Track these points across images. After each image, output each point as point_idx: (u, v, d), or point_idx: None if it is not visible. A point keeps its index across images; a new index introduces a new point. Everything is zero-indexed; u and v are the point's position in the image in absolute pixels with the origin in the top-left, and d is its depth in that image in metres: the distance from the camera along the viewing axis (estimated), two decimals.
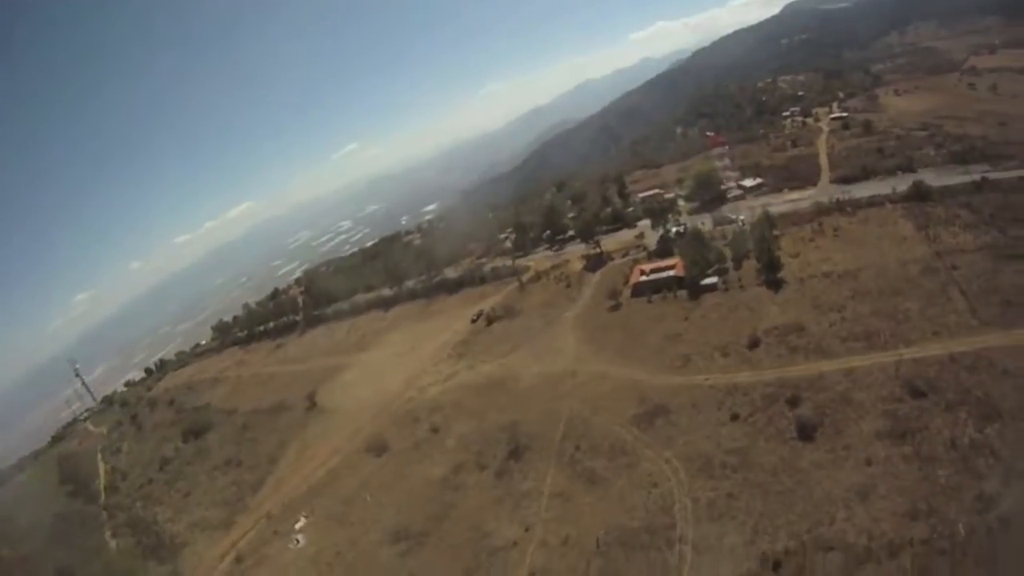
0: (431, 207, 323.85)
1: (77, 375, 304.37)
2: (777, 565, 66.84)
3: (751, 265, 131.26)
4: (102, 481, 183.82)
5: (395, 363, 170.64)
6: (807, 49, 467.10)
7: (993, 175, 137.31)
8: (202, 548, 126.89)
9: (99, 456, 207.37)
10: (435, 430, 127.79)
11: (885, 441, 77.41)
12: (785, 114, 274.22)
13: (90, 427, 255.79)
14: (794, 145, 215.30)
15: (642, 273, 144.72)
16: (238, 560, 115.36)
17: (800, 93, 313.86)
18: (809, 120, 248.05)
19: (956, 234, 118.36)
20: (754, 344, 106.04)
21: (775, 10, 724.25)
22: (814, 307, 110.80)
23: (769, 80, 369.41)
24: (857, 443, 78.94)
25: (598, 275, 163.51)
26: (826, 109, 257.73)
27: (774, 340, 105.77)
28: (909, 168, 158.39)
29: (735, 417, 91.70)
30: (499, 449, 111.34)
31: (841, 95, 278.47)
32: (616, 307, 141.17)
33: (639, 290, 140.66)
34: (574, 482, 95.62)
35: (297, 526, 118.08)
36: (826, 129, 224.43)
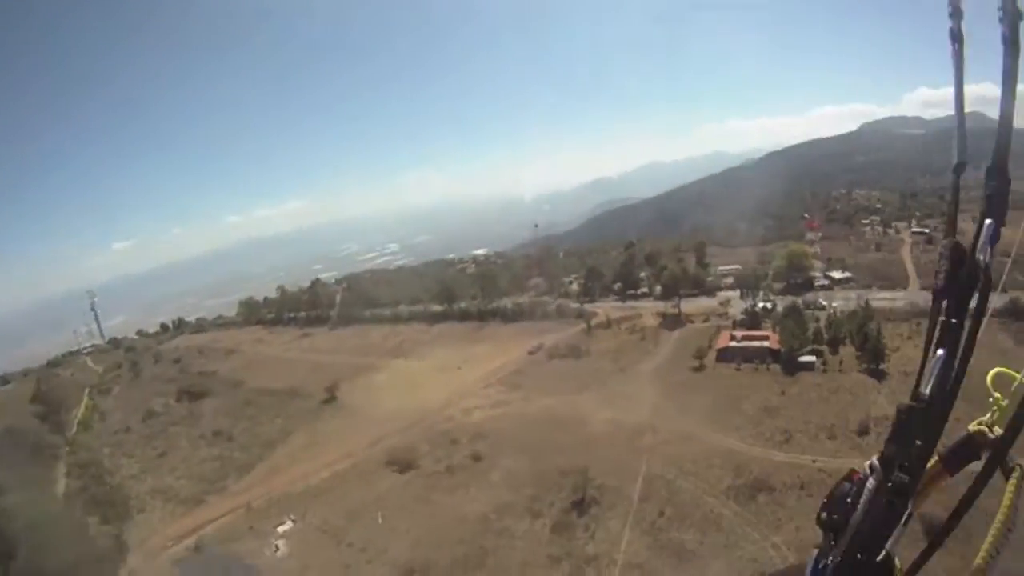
0: (482, 251, 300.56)
1: (92, 309, 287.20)
2: None
3: (848, 352, 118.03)
4: (78, 415, 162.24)
5: (435, 378, 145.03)
6: (881, 168, 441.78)
7: None
8: (158, 520, 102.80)
9: (86, 391, 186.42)
10: (477, 458, 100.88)
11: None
12: (865, 222, 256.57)
13: (89, 362, 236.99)
14: (877, 249, 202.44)
15: (732, 339, 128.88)
16: (197, 549, 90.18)
17: (877, 206, 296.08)
18: (890, 231, 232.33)
19: None
20: (864, 431, 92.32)
21: (852, 126, 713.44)
22: None
23: (844, 191, 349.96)
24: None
25: (677, 334, 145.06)
26: (905, 224, 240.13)
27: (884, 429, 79.99)
28: (1002, 289, 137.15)
29: None
30: (559, 497, 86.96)
31: (918, 214, 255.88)
32: (700, 368, 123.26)
33: (727, 355, 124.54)
34: (657, 555, 75.13)
35: (280, 529, 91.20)
36: (908, 241, 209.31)
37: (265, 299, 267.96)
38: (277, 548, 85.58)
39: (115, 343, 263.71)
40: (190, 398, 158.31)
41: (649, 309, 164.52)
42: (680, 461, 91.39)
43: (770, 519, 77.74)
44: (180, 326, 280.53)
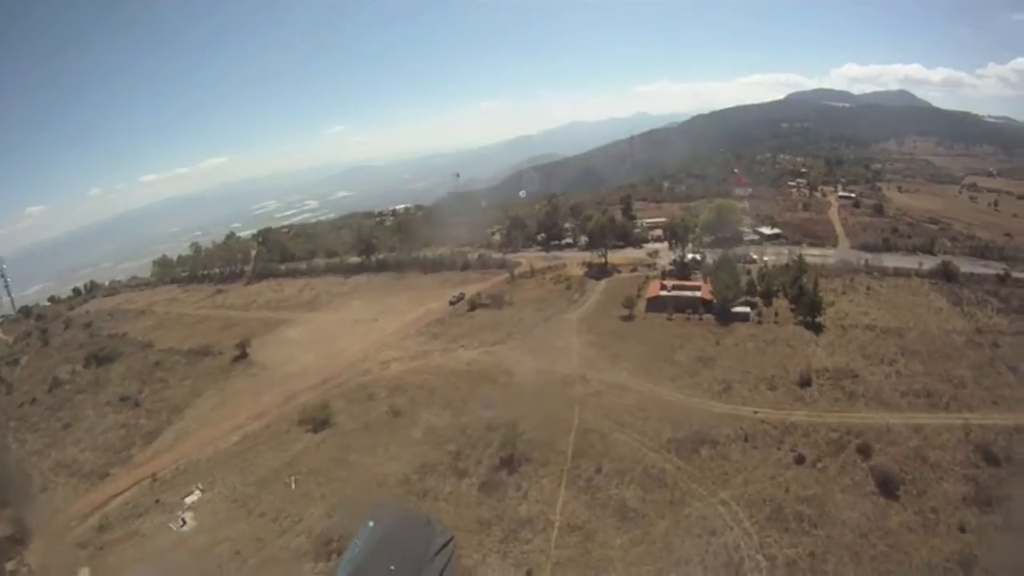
0: (403, 206, 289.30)
1: (2, 275, 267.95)
2: None
3: (782, 304, 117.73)
4: None
5: (351, 330, 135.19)
6: (807, 137, 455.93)
7: (1016, 274, 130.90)
8: (62, 498, 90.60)
9: None
10: (396, 414, 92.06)
11: (972, 508, 66.24)
12: (792, 184, 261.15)
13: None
14: (805, 209, 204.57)
15: (663, 288, 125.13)
16: (101, 529, 79.26)
17: (803, 170, 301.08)
18: (816, 194, 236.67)
19: (991, 316, 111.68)
20: (806, 383, 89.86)
21: (779, 95, 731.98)
22: (864, 356, 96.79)
23: (769, 155, 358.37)
24: (944, 506, 67.03)
25: (603, 283, 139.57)
26: (831, 188, 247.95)
27: (827, 382, 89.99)
28: (928, 251, 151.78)
29: (800, 460, 74.26)
30: (486, 454, 79.64)
31: (843, 180, 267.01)
32: (629, 317, 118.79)
33: (657, 305, 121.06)
34: (598, 514, 68.53)
35: (188, 500, 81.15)
36: (836, 203, 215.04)
37: (179, 257, 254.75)
38: (184, 522, 75.70)
39: (25, 312, 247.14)
40: (98, 363, 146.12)
41: (574, 259, 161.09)
42: (615, 413, 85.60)
43: (716, 473, 72.84)
44: (92, 289, 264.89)
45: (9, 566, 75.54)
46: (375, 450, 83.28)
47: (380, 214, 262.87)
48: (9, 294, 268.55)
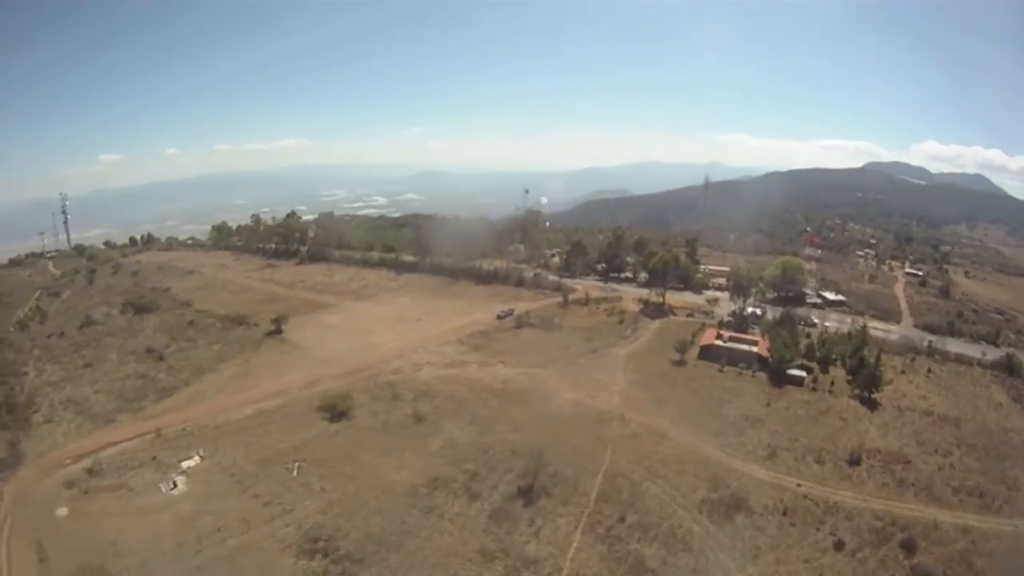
0: (467, 216, 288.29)
1: (63, 212, 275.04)
2: None
3: (839, 374, 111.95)
4: (19, 313, 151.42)
5: (392, 326, 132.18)
6: (879, 209, 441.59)
7: None
8: (62, 434, 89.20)
9: (36, 293, 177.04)
10: (419, 419, 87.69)
11: None
12: (860, 254, 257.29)
13: (50, 266, 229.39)
14: (871, 281, 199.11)
15: (718, 337, 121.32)
16: (91, 473, 76.39)
17: (872, 241, 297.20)
18: (884, 267, 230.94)
19: None
20: (855, 461, 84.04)
21: (855, 163, 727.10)
22: (918, 442, 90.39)
23: (839, 222, 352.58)
24: None
25: (658, 323, 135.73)
26: (899, 263, 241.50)
27: (877, 464, 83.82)
28: (992, 341, 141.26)
29: (840, 546, 67.55)
30: (504, 479, 74.16)
31: (911, 257, 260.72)
32: (680, 362, 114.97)
33: (711, 353, 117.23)
34: (611, 569, 61.61)
35: (185, 464, 77.80)
36: (902, 279, 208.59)
37: (238, 227, 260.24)
38: (174, 485, 72.12)
39: (79, 250, 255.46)
40: (134, 311, 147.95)
41: (631, 294, 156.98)
42: (649, 461, 79.73)
43: (748, 546, 66.29)
44: (148, 242, 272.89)
45: None
46: (388, 452, 78.89)
47: (443, 218, 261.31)
48: (67, 231, 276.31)
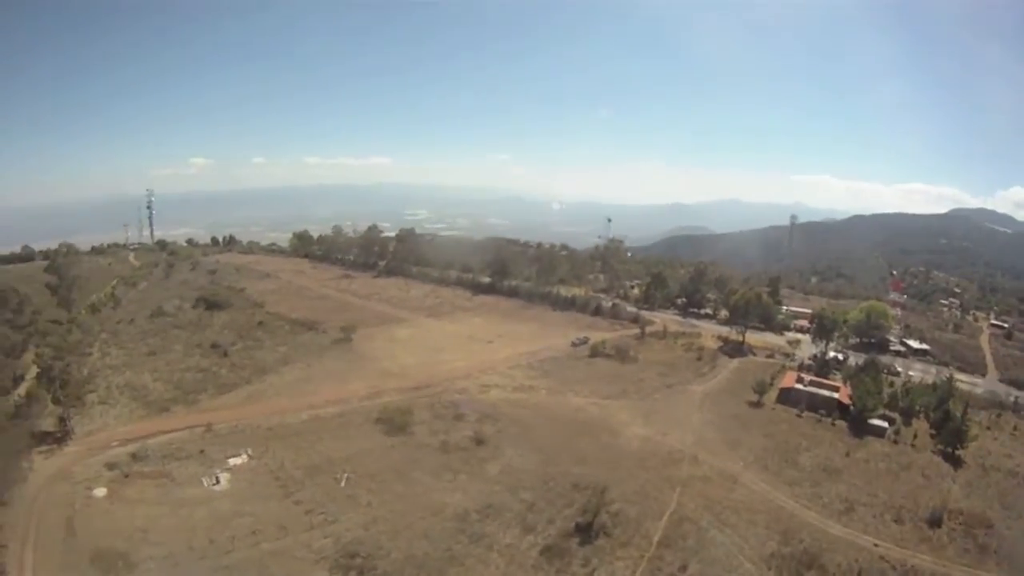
0: (549, 244, 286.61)
1: (148, 207, 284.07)
2: None
3: (922, 426, 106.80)
4: (94, 299, 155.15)
5: (463, 345, 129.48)
6: (964, 256, 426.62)
7: None
8: (114, 416, 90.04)
9: (114, 281, 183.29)
10: (480, 442, 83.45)
11: None
12: (944, 303, 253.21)
13: (131, 257, 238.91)
14: (956, 331, 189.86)
15: (799, 381, 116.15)
16: (134, 457, 76.29)
17: (956, 290, 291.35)
18: (968, 317, 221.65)
19: None
20: (936, 522, 77.54)
21: (940, 208, 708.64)
22: (1003, 505, 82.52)
23: (922, 269, 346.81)
24: None
25: (736, 362, 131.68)
26: (984, 314, 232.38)
27: (959, 527, 76.72)
28: None
29: None
30: (563, 514, 69.03)
31: (997, 308, 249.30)
32: (758, 404, 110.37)
33: (790, 397, 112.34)
34: None
35: (232, 461, 75.76)
36: (987, 331, 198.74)
37: (319, 236, 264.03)
38: (217, 481, 69.73)
39: (161, 245, 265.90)
40: (206, 306, 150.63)
41: (711, 331, 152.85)
42: (718, 507, 74.23)
43: None
44: (230, 243, 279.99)
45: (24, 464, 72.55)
46: (443, 473, 74.67)
47: (525, 243, 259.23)
48: (151, 226, 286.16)
